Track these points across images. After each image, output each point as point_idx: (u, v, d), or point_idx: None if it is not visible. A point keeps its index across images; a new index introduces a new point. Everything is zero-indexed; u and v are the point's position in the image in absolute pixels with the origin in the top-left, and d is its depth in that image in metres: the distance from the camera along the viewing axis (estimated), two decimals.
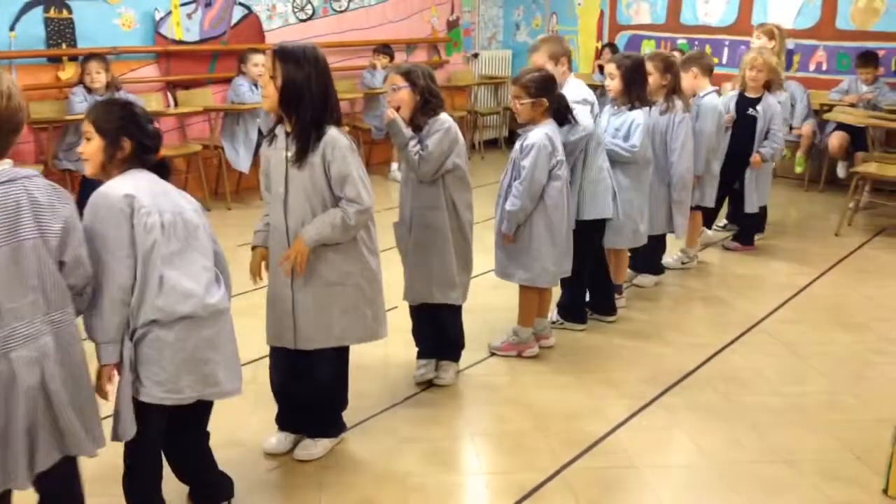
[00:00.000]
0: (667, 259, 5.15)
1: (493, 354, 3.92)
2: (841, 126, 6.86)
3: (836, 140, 7.01)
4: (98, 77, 5.70)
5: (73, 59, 6.07)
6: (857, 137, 6.86)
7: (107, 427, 2.21)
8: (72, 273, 2.06)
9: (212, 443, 2.61)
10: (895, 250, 5.75)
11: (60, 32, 6.06)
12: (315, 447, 3.01)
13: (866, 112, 6.71)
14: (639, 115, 4.09)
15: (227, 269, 2.46)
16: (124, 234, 2.18)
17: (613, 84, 4.15)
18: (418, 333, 3.66)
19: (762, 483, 2.91)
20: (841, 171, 7.21)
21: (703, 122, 4.84)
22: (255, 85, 6.47)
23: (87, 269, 2.11)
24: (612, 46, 8.29)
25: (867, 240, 5.97)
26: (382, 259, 2.94)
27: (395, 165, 7.59)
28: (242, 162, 6.65)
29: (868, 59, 7.04)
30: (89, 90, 5.72)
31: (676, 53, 5.38)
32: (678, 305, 4.73)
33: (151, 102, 6.30)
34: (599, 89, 4.44)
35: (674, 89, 4.55)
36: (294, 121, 2.69)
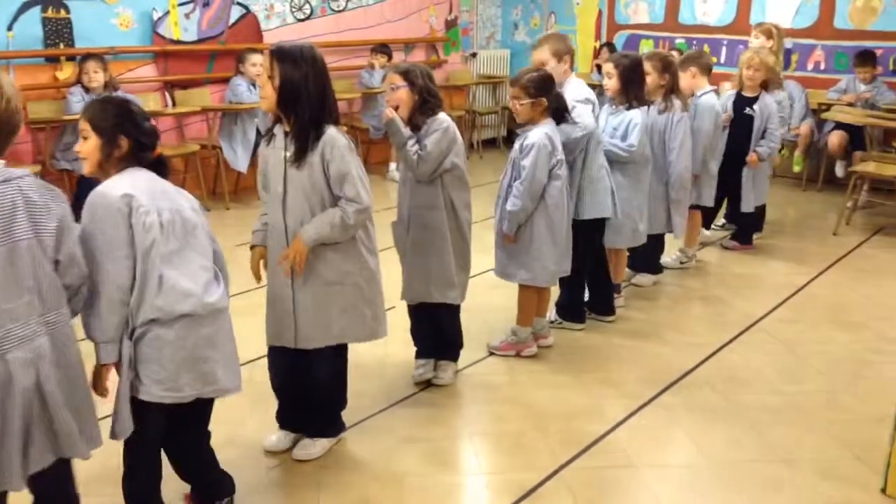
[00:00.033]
0: (665, 258, 5.15)
1: (491, 354, 3.92)
2: (840, 125, 6.87)
3: (835, 139, 7.01)
4: (96, 77, 5.70)
5: (70, 58, 6.07)
6: (856, 137, 6.86)
7: (105, 427, 2.21)
8: (67, 272, 2.06)
9: (210, 443, 2.60)
10: (893, 249, 5.75)
11: (58, 32, 6.05)
12: (313, 447, 3.01)
13: (864, 111, 6.72)
14: (636, 115, 4.09)
15: (226, 267, 2.46)
16: (122, 234, 2.17)
17: (611, 83, 4.15)
18: (417, 333, 3.66)
19: (761, 482, 2.91)
20: (839, 170, 7.21)
21: (699, 121, 4.84)
22: (253, 85, 6.47)
23: (82, 268, 2.11)
24: (610, 46, 8.29)
25: (865, 239, 5.97)
26: (380, 259, 2.94)
27: (393, 165, 7.59)
28: (240, 162, 6.64)
29: (866, 59, 7.04)
30: (87, 90, 5.71)
31: (675, 53, 5.39)
32: (677, 305, 4.73)
33: (149, 102, 6.29)
34: (598, 89, 4.44)
35: (672, 89, 4.55)
36: (293, 121, 2.69)
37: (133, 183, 2.23)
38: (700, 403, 3.49)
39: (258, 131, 6.49)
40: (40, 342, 1.96)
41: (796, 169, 7.44)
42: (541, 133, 3.54)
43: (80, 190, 5.36)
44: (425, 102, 3.26)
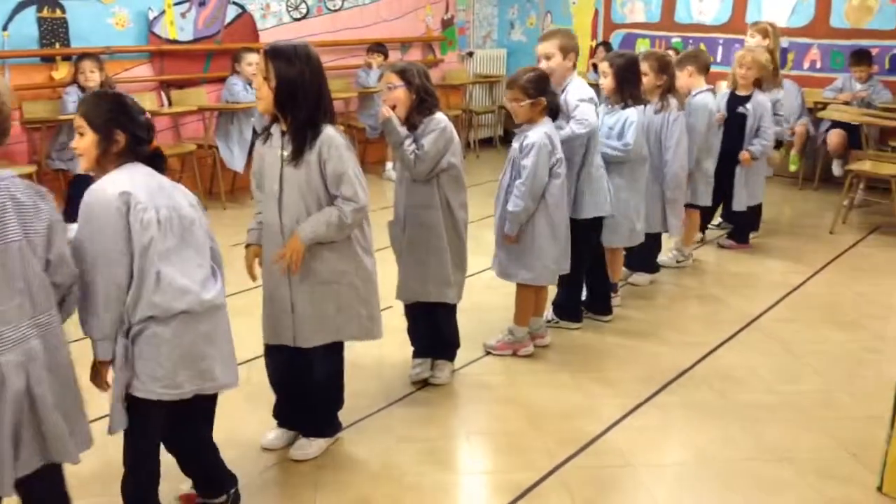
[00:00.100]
0: (662, 257, 5.16)
1: (488, 353, 3.92)
2: (837, 124, 6.88)
3: (835, 137, 7.02)
4: (92, 76, 5.68)
5: (66, 58, 6.05)
6: (852, 135, 6.88)
7: (99, 428, 2.20)
8: (57, 271, 2.05)
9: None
10: (889, 248, 5.77)
11: (54, 32, 6.04)
12: (310, 447, 3.01)
13: (860, 110, 6.73)
14: (632, 113, 4.09)
15: (222, 265, 2.45)
16: (119, 232, 2.16)
17: (606, 82, 4.15)
18: (413, 333, 3.65)
19: (757, 481, 2.91)
20: (836, 168, 7.22)
21: (693, 120, 4.84)
22: (250, 84, 6.45)
23: (72, 267, 2.10)
24: (606, 45, 8.30)
25: (861, 238, 5.98)
26: (377, 258, 2.94)
27: (389, 165, 7.58)
28: (237, 161, 6.64)
29: (862, 58, 7.06)
30: (83, 90, 5.68)
31: (671, 52, 5.39)
32: (673, 304, 4.73)
33: (145, 102, 6.27)
34: (594, 88, 4.44)
35: (669, 89, 4.55)
36: (289, 120, 2.69)
37: (131, 179, 2.22)
38: (697, 402, 3.49)
39: (254, 130, 6.48)
40: (32, 344, 1.95)
41: (792, 168, 7.45)
42: (540, 132, 3.54)
43: (73, 189, 5.36)
44: (422, 102, 3.25)
